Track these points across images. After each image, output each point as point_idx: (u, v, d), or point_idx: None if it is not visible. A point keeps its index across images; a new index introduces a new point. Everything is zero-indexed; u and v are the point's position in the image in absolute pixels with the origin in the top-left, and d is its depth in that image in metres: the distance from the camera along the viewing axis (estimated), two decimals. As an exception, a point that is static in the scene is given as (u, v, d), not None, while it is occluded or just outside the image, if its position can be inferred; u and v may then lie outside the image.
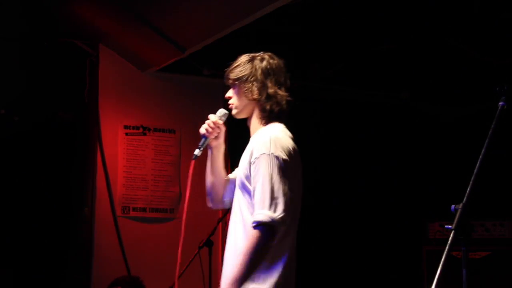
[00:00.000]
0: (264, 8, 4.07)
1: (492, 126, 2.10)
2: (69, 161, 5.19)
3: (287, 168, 2.57)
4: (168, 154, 5.58)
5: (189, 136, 5.68)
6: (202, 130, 2.88)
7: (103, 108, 5.36)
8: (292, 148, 2.64)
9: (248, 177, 2.65)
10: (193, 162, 2.94)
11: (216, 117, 2.91)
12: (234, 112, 2.83)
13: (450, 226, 1.95)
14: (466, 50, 5.04)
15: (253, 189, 2.58)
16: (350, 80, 5.97)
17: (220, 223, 5.05)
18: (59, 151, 5.15)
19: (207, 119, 2.91)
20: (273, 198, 2.50)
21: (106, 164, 5.32)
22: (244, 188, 2.68)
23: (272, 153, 2.56)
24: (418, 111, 6.52)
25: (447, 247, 1.92)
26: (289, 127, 2.80)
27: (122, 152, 5.42)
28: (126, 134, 5.45)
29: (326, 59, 5.48)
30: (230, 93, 2.84)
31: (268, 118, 2.73)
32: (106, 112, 5.38)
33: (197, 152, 2.91)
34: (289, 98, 2.74)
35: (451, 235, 1.94)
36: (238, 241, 2.65)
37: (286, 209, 2.50)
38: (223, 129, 2.90)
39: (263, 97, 2.71)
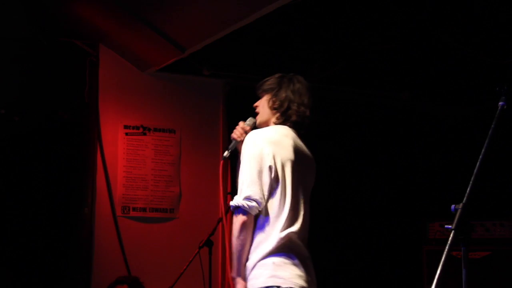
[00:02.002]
0: (264, 8, 4.07)
1: (492, 126, 2.10)
2: (69, 161, 5.19)
3: (255, 163, 2.83)
4: (168, 154, 5.58)
5: (189, 136, 5.68)
6: (233, 134, 3.18)
7: (103, 108, 5.36)
8: (273, 140, 2.89)
9: None
10: (221, 162, 3.23)
11: (247, 124, 3.19)
12: (258, 119, 3.13)
13: (450, 226, 1.96)
14: (466, 50, 5.04)
15: None
16: (350, 80, 5.97)
17: (220, 223, 5.05)
18: (59, 151, 5.14)
19: (238, 125, 3.20)
20: (242, 184, 2.83)
21: (106, 164, 5.32)
22: None
23: (244, 149, 2.90)
24: (418, 111, 6.52)
25: (447, 247, 1.92)
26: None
27: (122, 152, 5.42)
28: (126, 134, 5.45)
29: (326, 59, 5.48)
30: (258, 102, 3.14)
31: (281, 124, 3.03)
32: (106, 112, 5.38)
33: (225, 153, 3.20)
34: (308, 114, 3.04)
35: (451, 235, 1.94)
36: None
37: (250, 197, 2.79)
38: None
39: (283, 109, 3.01)
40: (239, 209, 2.80)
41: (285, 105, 3.00)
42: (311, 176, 3.10)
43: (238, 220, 2.80)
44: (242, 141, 3.08)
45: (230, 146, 3.17)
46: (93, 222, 5.23)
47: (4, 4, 4.60)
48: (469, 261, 2.02)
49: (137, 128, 5.50)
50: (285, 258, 2.80)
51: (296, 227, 2.86)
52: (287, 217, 2.84)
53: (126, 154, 5.42)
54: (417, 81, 5.97)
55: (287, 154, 2.90)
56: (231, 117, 5.72)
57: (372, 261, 6.07)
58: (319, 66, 5.60)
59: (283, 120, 3.01)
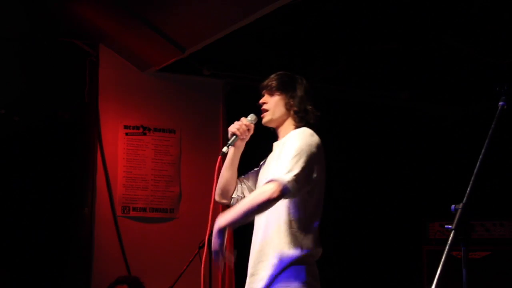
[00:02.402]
0: (264, 8, 4.07)
1: (492, 126, 2.09)
2: (69, 161, 5.19)
3: (315, 155, 2.79)
4: (168, 154, 5.58)
5: (189, 136, 5.68)
6: (233, 129, 3.07)
7: (103, 108, 5.37)
8: (320, 145, 2.87)
9: None
10: (219, 158, 3.10)
11: (249, 120, 3.10)
12: (268, 117, 3.02)
13: (450, 226, 1.95)
14: (466, 50, 5.04)
15: (281, 159, 2.79)
16: (350, 80, 5.97)
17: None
18: (59, 151, 5.15)
19: (239, 120, 3.10)
20: (292, 166, 2.69)
21: (106, 164, 5.32)
22: None
23: (304, 138, 2.81)
24: (418, 111, 6.52)
25: (447, 247, 1.92)
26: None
27: (122, 152, 5.42)
28: (126, 134, 5.45)
29: (326, 59, 5.48)
30: (266, 99, 3.03)
31: (300, 125, 2.97)
32: (106, 112, 5.38)
33: (225, 149, 3.09)
34: (317, 114, 3.01)
35: (451, 235, 1.94)
36: (269, 239, 2.85)
37: (298, 179, 2.68)
38: (251, 132, 3.11)
39: (302, 110, 2.97)
40: (281, 187, 2.64)
41: (302, 107, 2.97)
42: None
43: (271, 193, 2.64)
44: (242, 139, 3.07)
45: (230, 141, 3.07)
46: (93, 222, 5.23)
47: (4, 4, 4.60)
48: (469, 261, 2.01)
49: (137, 128, 5.50)
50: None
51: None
52: (317, 229, 2.90)
53: (126, 154, 5.42)
54: (417, 81, 5.97)
55: (325, 163, 2.93)
56: (231, 117, 5.68)
57: (372, 261, 6.07)
58: (319, 66, 5.60)
59: (303, 123, 2.96)
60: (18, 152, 5.02)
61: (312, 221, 2.89)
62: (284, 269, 2.80)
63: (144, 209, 5.43)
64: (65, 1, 4.72)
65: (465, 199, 1.98)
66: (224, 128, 5.75)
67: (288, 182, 2.65)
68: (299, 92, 2.99)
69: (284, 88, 3.00)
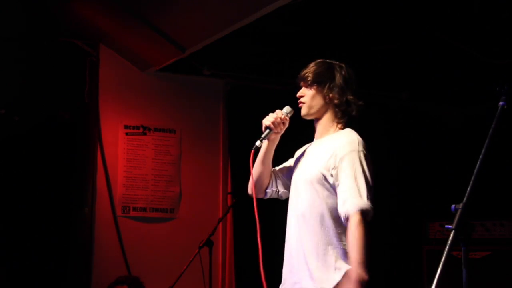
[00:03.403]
0: (264, 8, 4.07)
1: (492, 126, 2.09)
2: (69, 161, 5.19)
3: (370, 165, 2.82)
4: (168, 154, 5.58)
5: (189, 136, 5.68)
6: (267, 122, 2.91)
7: (103, 108, 5.37)
8: (366, 146, 2.88)
9: (327, 173, 2.77)
10: (252, 152, 2.93)
11: (284, 113, 2.95)
12: (305, 111, 2.90)
13: (450, 226, 1.95)
14: (466, 50, 5.03)
15: (343, 182, 2.73)
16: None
17: (220, 223, 5.05)
18: (59, 151, 5.15)
19: (273, 112, 2.95)
20: (366, 189, 2.72)
21: (106, 164, 5.32)
22: (323, 183, 2.78)
23: (361, 151, 2.81)
24: (418, 111, 6.52)
25: (447, 247, 1.92)
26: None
27: (122, 152, 5.42)
28: (126, 134, 5.45)
29: (326, 59, 5.46)
30: (303, 92, 2.91)
31: (345, 122, 2.90)
32: (106, 112, 5.38)
33: (258, 143, 2.92)
34: (361, 104, 2.92)
35: (451, 235, 1.94)
36: (306, 234, 2.78)
37: (372, 200, 2.75)
38: (286, 125, 2.96)
39: (343, 102, 2.85)
40: (366, 212, 2.73)
41: (343, 98, 2.84)
42: None
43: (364, 223, 2.76)
44: (277, 132, 2.93)
45: (264, 135, 2.91)
46: (93, 222, 5.23)
47: (4, 4, 4.60)
48: (469, 261, 2.01)
49: (137, 128, 5.50)
50: None
51: None
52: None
53: (126, 154, 5.42)
54: (417, 81, 5.96)
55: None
56: (231, 117, 5.72)
57: (372, 261, 6.06)
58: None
59: (345, 115, 2.87)
60: (18, 152, 5.02)
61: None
62: None
63: (144, 209, 5.43)
64: (65, 1, 4.72)
65: (465, 199, 1.98)
66: (224, 128, 5.77)
67: (371, 211, 2.75)
68: (338, 82, 2.85)
69: (321, 80, 2.86)
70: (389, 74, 5.80)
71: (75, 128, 5.25)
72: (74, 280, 5.10)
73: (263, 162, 2.99)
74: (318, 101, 2.86)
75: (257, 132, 3.02)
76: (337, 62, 2.97)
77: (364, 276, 2.68)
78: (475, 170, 2.02)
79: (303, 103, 2.89)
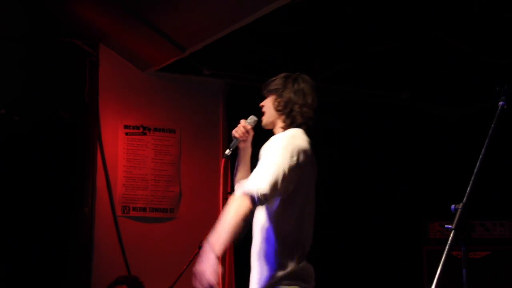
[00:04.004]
0: (264, 8, 4.07)
1: (492, 126, 2.10)
2: (69, 161, 5.19)
3: (293, 160, 2.76)
4: (168, 154, 5.58)
5: (189, 136, 5.68)
6: (233, 132, 3.14)
7: (103, 108, 5.37)
8: (304, 148, 2.85)
9: None
10: (223, 160, 3.21)
11: (248, 123, 3.16)
12: (263, 121, 3.08)
13: (450, 226, 1.95)
14: (466, 50, 5.03)
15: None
16: (350, 80, 5.97)
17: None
18: (59, 151, 5.15)
19: (239, 123, 3.16)
20: (263, 177, 2.69)
21: (106, 164, 5.32)
22: None
23: (282, 142, 2.81)
24: (418, 111, 6.52)
25: (447, 247, 1.92)
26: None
27: (122, 152, 5.42)
28: (126, 134, 5.45)
29: (326, 59, 5.48)
30: (264, 102, 3.09)
31: (289, 126, 2.99)
32: (106, 112, 5.38)
33: (227, 151, 3.17)
34: (312, 116, 3.02)
35: (451, 235, 1.94)
36: (257, 241, 2.89)
37: (271, 188, 2.66)
38: (251, 133, 3.16)
39: (287, 111, 2.98)
40: (251, 198, 2.66)
41: (289, 106, 2.97)
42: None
43: (246, 204, 2.66)
44: (243, 140, 3.11)
45: (232, 144, 3.14)
46: (93, 222, 5.23)
47: (4, 4, 4.60)
48: (469, 261, 2.02)
49: (137, 128, 5.50)
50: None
51: (309, 247, 2.91)
52: (307, 237, 2.90)
53: (126, 154, 5.42)
54: (417, 81, 5.96)
55: (311, 165, 2.92)
56: (231, 117, 5.72)
57: (372, 261, 6.07)
58: (320, 66, 5.60)
59: (290, 122, 2.97)
60: (18, 152, 5.02)
61: (292, 234, 2.84)
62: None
63: (144, 209, 5.44)
64: (65, 1, 4.72)
65: (465, 199, 1.98)
66: (224, 128, 5.77)
67: (258, 196, 2.65)
68: (288, 93, 2.99)
69: (273, 89, 3.03)
70: (389, 74, 5.80)
71: (75, 128, 5.25)
72: (74, 280, 5.10)
73: (241, 169, 3.15)
74: (271, 110, 3.03)
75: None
76: (296, 74, 3.09)
77: (215, 249, 2.63)
78: (475, 170, 2.03)
79: (264, 112, 3.07)
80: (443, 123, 6.55)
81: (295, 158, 2.76)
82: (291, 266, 2.79)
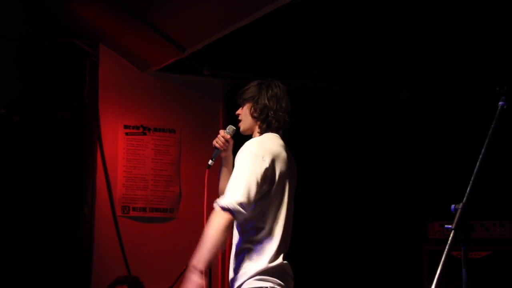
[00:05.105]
0: (264, 8, 4.07)
1: (492, 126, 2.10)
2: (69, 161, 5.19)
3: (264, 164, 2.86)
4: (168, 154, 5.58)
5: (189, 136, 5.68)
6: (214, 142, 3.27)
7: (103, 108, 5.36)
8: (274, 151, 2.93)
9: None
10: (207, 171, 3.30)
11: (227, 132, 3.28)
12: (240, 128, 3.19)
13: (450, 226, 1.96)
14: (466, 50, 5.03)
15: None
16: (350, 80, 5.97)
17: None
18: (59, 151, 5.15)
19: (218, 133, 3.29)
20: (237, 187, 2.78)
21: (106, 164, 5.32)
22: None
23: (251, 148, 2.90)
24: (418, 111, 6.52)
25: (447, 247, 1.92)
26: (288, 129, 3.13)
27: (122, 152, 5.42)
28: (126, 134, 5.45)
29: (326, 59, 5.48)
30: (239, 110, 3.20)
31: (265, 131, 3.08)
32: (106, 112, 5.38)
33: (210, 162, 3.30)
34: (288, 120, 3.08)
35: (451, 235, 1.94)
36: (235, 238, 2.98)
37: (246, 198, 2.76)
38: (231, 142, 3.28)
39: (263, 116, 3.07)
40: (228, 210, 2.76)
41: (264, 112, 3.06)
42: (295, 184, 3.12)
43: (224, 218, 2.76)
44: (224, 150, 3.23)
45: (214, 155, 3.26)
46: (93, 222, 5.23)
47: (4, 4, 4.60)
48: (469, 261, 2.02)
49: (137, 128, 5.50)
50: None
51: (287, 246, 2.94)
52: (282, 236, 2.90)
53: (126, 154, 5.42)
54: (417, 81, 5.96)
55: (285, 167, 2.95)
56: (231, 117, 5.68)
57: (372, 261, 6.07)
58: (319, 66, 5.60)
59: (266, 127, 3.05)
60: (18, 152, 5.02)
61: (268, 233, 2.89)
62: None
63: (144, 209, 5.44)
64: (65, 1, 4.72)
65: (465, 199, 1.98)
66: (224, 128, 5.76)
67: (234, 208, 2.74)
68: (263, 100, 3.07)
69: (249, 97, 3.13)
70: (388, 74, 5.80)
71: (75, 128, 5.25)
72: (74, 280, 5.10)
73: (224, 178, 3.23)
74: (248, 117, 3.13)
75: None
76: (269, 80, 3.17)
77: (197, 265, 2.78)
78: (475, 170, 2.03)
79: (240, 120, 3.18)
80: (442, 123, 6.55)
81: (266, 162, 2.85)
82: (267, 263, 2.84)
